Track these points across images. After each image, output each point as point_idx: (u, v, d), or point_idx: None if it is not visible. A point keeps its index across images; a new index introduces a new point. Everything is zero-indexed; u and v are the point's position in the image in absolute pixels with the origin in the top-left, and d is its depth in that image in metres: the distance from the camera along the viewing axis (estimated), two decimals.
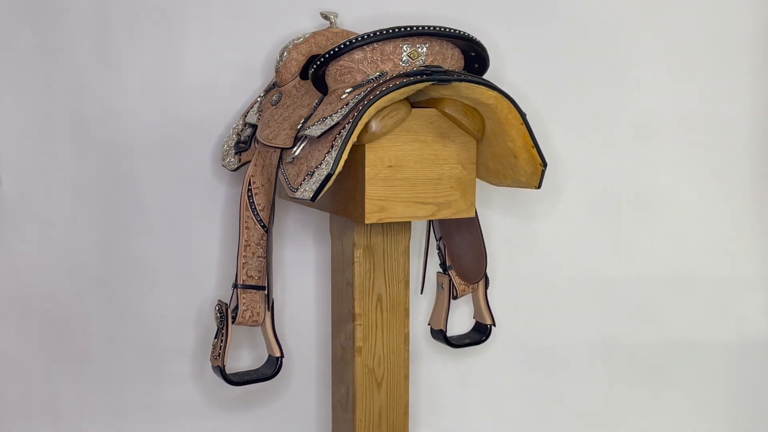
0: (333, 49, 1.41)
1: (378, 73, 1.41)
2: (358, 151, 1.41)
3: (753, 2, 1.94)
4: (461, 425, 2.02)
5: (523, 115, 1.42)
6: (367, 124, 1.37)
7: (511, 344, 2.00)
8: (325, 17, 1.69)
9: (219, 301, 1.56)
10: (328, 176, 1.31)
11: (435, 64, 1.42)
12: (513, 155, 1.46)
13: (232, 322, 1.55)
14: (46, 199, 1.80)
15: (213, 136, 1.81)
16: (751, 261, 2.04)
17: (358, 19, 1.78)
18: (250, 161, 1.60)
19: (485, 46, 1.47)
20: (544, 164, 1.45)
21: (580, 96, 1.93)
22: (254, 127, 1.64)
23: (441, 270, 1.76)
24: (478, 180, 1.58)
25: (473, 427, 2.03)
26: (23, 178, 1.79)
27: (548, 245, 1.99)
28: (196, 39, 1.80)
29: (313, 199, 1.32)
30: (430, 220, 1.75)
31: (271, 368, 1.61)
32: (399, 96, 1.36)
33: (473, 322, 1.82)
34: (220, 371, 1.56)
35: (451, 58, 1.45)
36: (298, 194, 1.36)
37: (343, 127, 1.33)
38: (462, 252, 1.72)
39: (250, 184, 1.56)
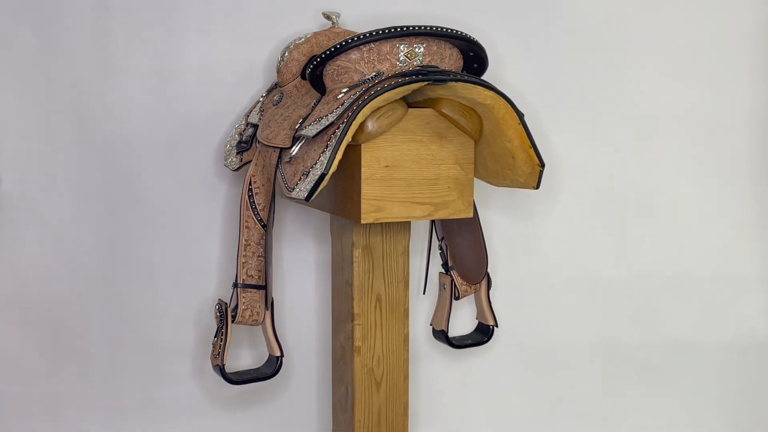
0: (329, 50, 1.41)
1: (374, 73, 1.41)
2: (354, 151, 1.41)
3: (753, 2, 1.93)
4: (461, 426, 2.02)
5: (520, 115, 1.42)
6: (363, 124, 1.37)
7: (511, 344, 1.99)
8: (327, 17, 1.70)
9: (219, 300, 1.56)
10: (322, 176, 1.31)
11: (432, 64, 1.42)
12: (511, 155, 1.46)
13: (232, 322, 1.56)
14: (46, 199, 1.81)
15: (214, 136, 1.81)
16: (751, 261, 2.03)
17: (360, 19, 1.78)
18: (251, 161, 1.61)
19: (483, 46, 1.47)
20: (542, 165, 1.44)
21: (580, 96, 1.93)
22: (256, 126, 1.65)
23: (443, 270, 1.76)
24: (478, 180, 1.58)
25: (473, 428, 2.02)
26: (23, 178, 1.79)
27: (548, 245, 1.98)
28: (197, 39, 1.80)
29: (308, 198, 1.32)
30: (432, 221, 1.75)
31: (271, 367, 1.62)
32: (394, 96, 1.35)
33: (476, 322, 1.81)
34: (220, 370, 1.56)
35: (449, 58, 1.45)
36: (293, 194, 1.36)
37: (338, 127, 1.33)
38: (463, 252, 1.72)
39: (250, 183, 1.57)
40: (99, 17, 1.76)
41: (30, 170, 1.79)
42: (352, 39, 1.40)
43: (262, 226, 1.55)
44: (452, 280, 1.74)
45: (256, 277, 1.56)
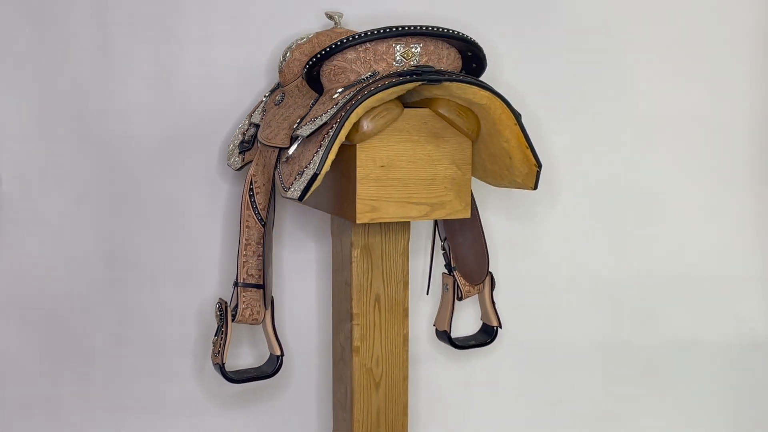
0: (324, 49, 1.41)
1: (370, 73, 1.41)
2: (350, 150, 1.41)
3: (753, 2, 1.92)
4: (462, 426, 2.02)
5: (517, 116, 1.41)
6: (358, 124, 1.37)
7: (512, 345, 1.99)
8: (330, 17, 1.70)
9: (219, 299, 1.57)
10: (314, 176, 1.31)
11: (429, 64, 1.42)
12: (508, 156, 1.45)
13: (232, 321, 1.56)
14: (46, 199, 1.81)
15: (216, 136, 1.82)
16: (751, 261, 2.03)
17: (363, 19, 1.78)
18: (253, 161, 1.62)
19: (482, 46, 1.46)
20: (539, 165, 1.43)
21: (580, 96, 1.92)
22: (258, 126, 1.65)
23: (446, 271, 1.75)
24: (478, 181, 1.58)
25: (474, 428, 2.02)
26: (23, 178, 1.80)
27: (548, 245, 1.98)
28: (199, 38, 1.80)
29: (300, 198, 1.33)
30: (435, 221, 1.74)
31: (272, 367, 1.62)
32: (388, 96, 1.35)
33: (480, 323, 1.81)
34: (220, 369, 1.57)
35: (447, 58, 1.44)
36: (288, 194, 1.37)
37: (331, 127, 1.33)
38: (465, 253, 1.71)
39: (251, 183, 1.57)
40: (99, 17, 1.77)
41: (30, 170, 1.80)
42: (348, 39, 1.40)
43: (262, 225, 1.56)
44: (455, 280, 1.73)
45: (257, 277, 1.57)
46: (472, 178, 1.58)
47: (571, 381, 2.03)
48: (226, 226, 1.86)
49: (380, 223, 1.54)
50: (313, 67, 1.45)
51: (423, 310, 1.92)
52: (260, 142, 1.57)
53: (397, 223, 1.55)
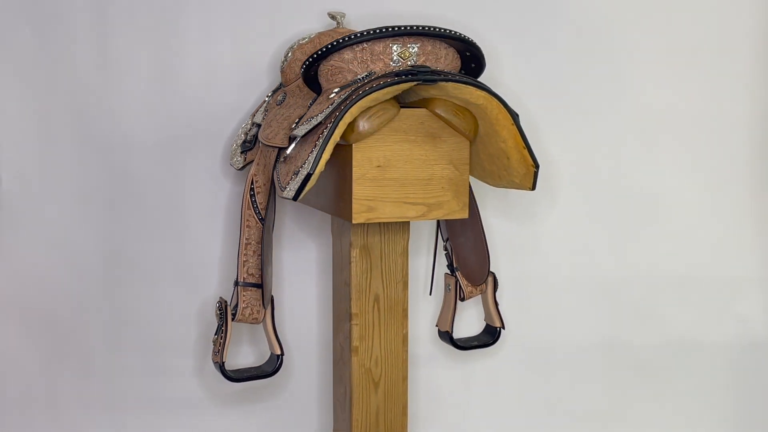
0: (320, 50, 1.41)
1: (366, 73, 1.40)
2: (346, 150, 1.41)
3: (753, 2, 1.91)
4: (462, 427, 2.01)
5: (514, 116, 1.40)
6: (354, 124, 1.36)
7: (512, 345, 1.99)
8: (332, 17, 1.70)
9: (220, 298, 1.58)
10: (308, 176, 1.31)
11: (426, 64, 1.41)
12: (506, 156, 1.44)
13: (232, 320, 1.57)
14: (46, 199, 1.81)
15: (217, 135, 1.82)
16: (751, 261, 2.02)
17: (366, 19, 1.78)
18: (254, 160, 1.62)
19: (480, 46, 1.46)
20: (536, 166, 1.42)
21: (580, 96, 1.92)
22: (260, 126, 1.66)
23: (448, 271, 1.75)
24: (478, 181, 1.57)
25: (474, 428, 2.02)
26: (23, 178, 1.80)
27: (548, 246, 1.98)
28: (201, 39, 1.80)
29: (295, 198, 1.33)
30: (438, 221, 1.74)
31: (272, 366, 1.63)
32: (383, 96, 1.35)
33: (483, 324, 1.80)
34: (220, 368, 1.58)
35: (445, 58, 1.44)
36: (284, 194, 1.37)
37: (326, 127, 1.33)
38: (466, 253, 1.71)
39: (252, 183, 1.58)
40: (100, 17, 1.77)
41: (30, 170, 1.80)
42: (344, 39, 1.40)
43: (263, 225, 1.57)
44: (457, 281, 1.72)
45: (257, 276, 1.57)
46: (473, 178, 1.58)
47: (571, 381, 2.03)
48: (228, 225, 1.86)
49: (379, 223, 1.53)
50: (309, 67, 1.45)
51: (425, 310, 1.92)
52: (261, 142, 1.58)
53: (396, 223, 1.55)
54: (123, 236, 1.84)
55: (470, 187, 1.62)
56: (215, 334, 1.58)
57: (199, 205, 1.85)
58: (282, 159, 1.45)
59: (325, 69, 1.45)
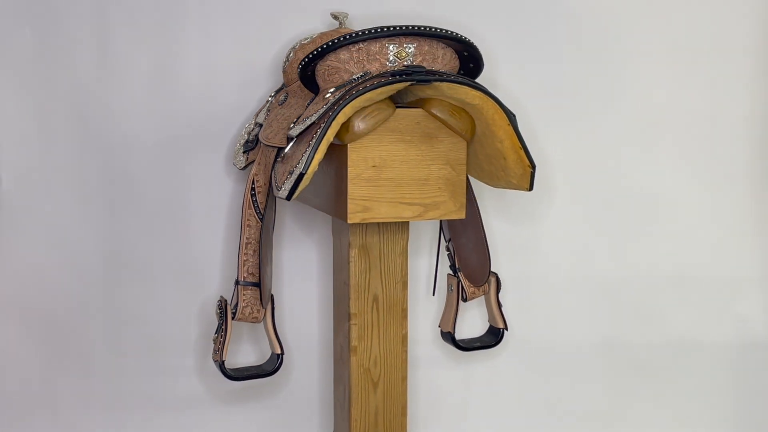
0: (316, 49, 1.41)
1: (361, 73, 1.40)
2: (341, 150, 1.41)
3: (753, 2, 1.90)
4: (462, 427, 2.01)
5: (510, 116, 1.39)
6: (349, 124, 1.37)
7: (512, 345, 1.98)
8: (335, 17, 1.70)
9: (220, 297, 1.59)
10: (300, 176, 1.31)
11: (423, 64, 1.41)
12: (502, 156, 1.43)
13: (232, 319, 1.58)
14: (46, 198, 1.82)
15: (218, 135, 1.82)
16: (751, 261, 2.01)
17: (369, 19, 1.78)
18: (255, 160, 1.63)
19: (477, 46, 1.45)
20: (533, 166, 1.41)
21: (580, 96, 1.91)
22: (262, 126, 1.66)
23: (451, 272, 1.74)
24: (477, 181, 1.56)
25: (474, 428, 2.02)
26: (23, 178, 1.80)
27: (548, 246, 1.97)
28: (202, 39, 1.81)
29: (288, 198, 1.33)
30: (440, 222, 1.74)
31: (272, 365, 1.64)
32: (378, 96, 1.35)
33: (487, 325, 1.80)
34: (220, 366, 1.58)
35: (443, 59, 1.43)
36: (279, 193, 1.37)
37: (319, 127, 1.33)
38: (468, 253, 1.70)
39: (253, 182, 1.58)
40: (100, 17, 1.78)
41: (30, 170, 1.81)
42: (340, 39, 1.39)
43: (263, 224, 1.57)
44: (459, 281, 1.72)
45: (257, 275, 1.58)
46: (473, 178, 1.57)
47: (571, 381, 2.02)
48: (230, 224, 1.86)
49: (378, 224, 1.53)
50: (306, 67, 1.45)
51: (425, 310, 1.92)
52: (262, 142, 1.58)
53: (395, 223, 1.55)
54: (123, 236, 1.85)
55: (471, 187, 1.62)
56: (215, 333, 1.59)
57: (199, 205, 1.85)
58: (280, 159, 1.46)
59: (321, 69, 1.45)
